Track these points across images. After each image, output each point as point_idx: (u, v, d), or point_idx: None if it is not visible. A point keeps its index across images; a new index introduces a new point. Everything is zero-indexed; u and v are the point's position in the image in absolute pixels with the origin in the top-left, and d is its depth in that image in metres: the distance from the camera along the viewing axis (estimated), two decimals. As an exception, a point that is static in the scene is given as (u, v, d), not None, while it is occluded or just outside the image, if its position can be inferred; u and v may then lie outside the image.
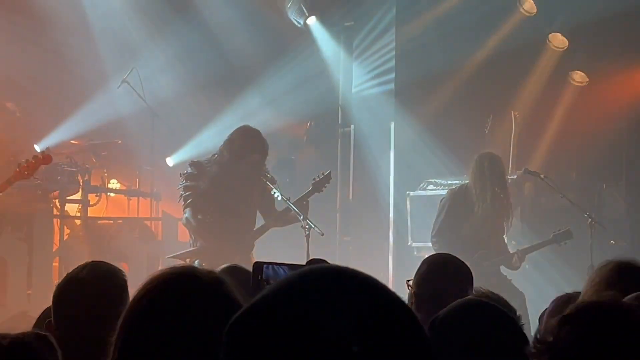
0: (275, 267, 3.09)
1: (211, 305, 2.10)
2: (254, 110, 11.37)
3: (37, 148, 10.71)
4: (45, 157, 8.04)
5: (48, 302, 3.44)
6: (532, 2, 11.04)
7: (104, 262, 3.52)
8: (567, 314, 2.01)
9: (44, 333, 2.51)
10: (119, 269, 3.45)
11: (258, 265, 3.11)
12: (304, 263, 3.27)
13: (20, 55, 11.23)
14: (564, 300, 3.44)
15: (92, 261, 3.51)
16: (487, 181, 8.48)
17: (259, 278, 3.09)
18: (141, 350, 2.08)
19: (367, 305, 1.30)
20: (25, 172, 7.83)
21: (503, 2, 11.00)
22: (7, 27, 11.07)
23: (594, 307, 2.04)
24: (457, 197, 8.66)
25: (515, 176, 10.24)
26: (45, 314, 3.51)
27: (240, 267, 3.90)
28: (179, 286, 2.13)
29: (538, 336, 2.10)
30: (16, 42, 11.22)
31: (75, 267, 3.50)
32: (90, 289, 3.27)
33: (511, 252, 8.71)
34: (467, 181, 8.84)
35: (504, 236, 8.80)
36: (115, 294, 3.24)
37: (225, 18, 11.98)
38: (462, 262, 4.39)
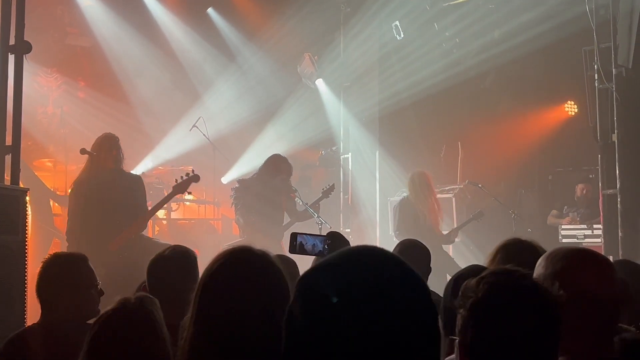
0: (304, 235, 3.23)
1: (262, 268, 2.08)
2: (275, 142, 11.45)
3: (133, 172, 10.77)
4: (195, 176, 6.76)
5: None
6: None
7: (181, 245, 3.50)
8: (483, 276, 1.88)
9: (151, 296, 2.43)
10: (191, 250, 3.44)
11: (294, 234, 3.25)
12: (326, 234, 3.40)
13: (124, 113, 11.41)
14: (476, 270, 3.33)
15: (174, 245, 3.49)
16: (419, 189, 8.54)
17: (295, 243, 3.24)
18: (212, 302, 2.04)
19: (391, 271, 1.26)
20: (182, 188, 6.72)
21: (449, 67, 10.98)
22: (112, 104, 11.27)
23: (500, 271, 1.94)
24: (403, 204, 8.67)
25: (461, 186, 10.30)
26: (142, 283, 3.45)
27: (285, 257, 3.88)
28: (240, 255, 2.11)
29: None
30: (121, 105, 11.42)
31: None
32: (171, 262, 3.28)
33: (445, 232, 8.69)
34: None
35: (439, 224, 8.72)
36: (188, 265, 3.26)
37: (258, 76, 12.09)
38: (423, 245, 4.44)
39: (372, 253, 1.29)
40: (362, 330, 1.17)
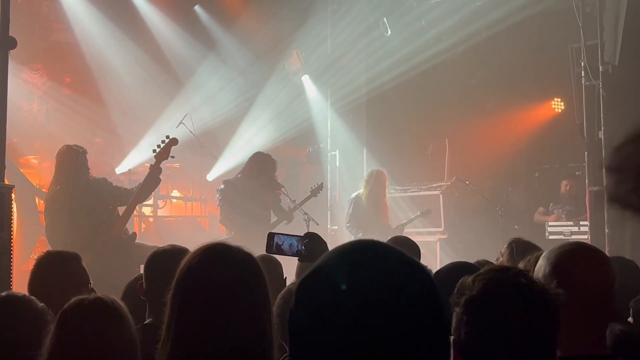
0: (281, 236, 3.21)
1: (239, 263, 2.03)
2: (260, 135, 11.42)
3: (117, 171, 10.68)
4: (173, 139, 6.53)
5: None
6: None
7: (177, 245, 3.43)
8: (480, 273, 1.85)
9: (113, 300, 2.39)
10: (186, 249, 3.30)
11: (271, 235, 3.23)
12: (302, 235, 3.37)
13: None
14: (459, 266, 3.04)
15: (171, 244, 3.44)
16: (374, 186, 8.77)
17: (272, 243, 3.22)
18: (190, 301, 2.00)
19: (388, 268, 1.19)
20: (164, 155, 6.50)
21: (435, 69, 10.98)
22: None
23: (497, 268, 1.92)
24: (357, 199, 8.88)
25: (448, 183, 10.32)
26: (136, 277, 3.51)
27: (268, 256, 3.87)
28: (217, 251, 2.07)
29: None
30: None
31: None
32: (170, 255, 3.16)
33: (393, 227, 8.81)
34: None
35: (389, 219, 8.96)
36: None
37: (241, 68, 12.04)
38: (414, 242, 4.43)
39: (374, 249, 1.22)
40: (364, 336, 1.14)
